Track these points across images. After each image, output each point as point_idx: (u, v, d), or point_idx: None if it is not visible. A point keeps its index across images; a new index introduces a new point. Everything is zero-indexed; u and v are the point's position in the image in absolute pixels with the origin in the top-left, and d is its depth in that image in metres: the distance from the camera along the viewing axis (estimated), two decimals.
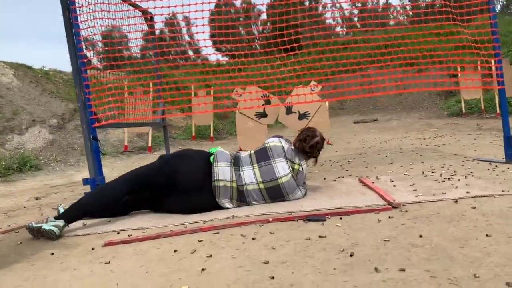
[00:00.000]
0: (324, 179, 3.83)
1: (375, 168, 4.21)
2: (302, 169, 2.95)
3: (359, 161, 4.94)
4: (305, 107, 7.96)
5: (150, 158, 8.49)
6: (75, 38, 3.53)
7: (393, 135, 8.88)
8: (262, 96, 7.93)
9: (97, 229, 2.65)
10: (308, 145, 2.99)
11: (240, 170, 2.87)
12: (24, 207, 4.07)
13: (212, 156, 2.89)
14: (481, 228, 1.95)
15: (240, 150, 8.29)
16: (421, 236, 1.91)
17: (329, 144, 7.83)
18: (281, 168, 2.86)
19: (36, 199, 4.61)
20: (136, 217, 2.90)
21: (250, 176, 2.85)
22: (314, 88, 7.72)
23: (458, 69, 12.18)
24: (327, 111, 8.11)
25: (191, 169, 2.79)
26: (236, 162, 2.92)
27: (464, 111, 12.44)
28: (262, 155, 2.93)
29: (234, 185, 2.82)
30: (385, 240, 1.90)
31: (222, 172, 2.79)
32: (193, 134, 11.72)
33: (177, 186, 2.77)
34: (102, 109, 3.71)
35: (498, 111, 11.17)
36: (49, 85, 10.86)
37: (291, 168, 2.90)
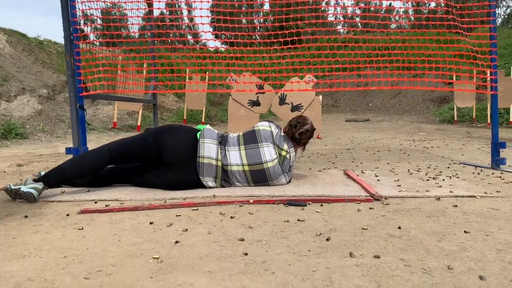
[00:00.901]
0: (310, 169, 3.81)
1: (361, 163, 4.21)
2: (290, 156, 2.92)
3: (346, 155, 4.93)
4: (298, 99, 7.92)
5: None
6: (69, 3, 3.45)
7: (383, 135, 8.89)
8: (256, 86, 7.87)
9: (75, 197, 2.61)
10: (298, 132, 2.96)
11: (226, 149, 2.84)
12: (4, 172, 4.00)
13: (199, 132, 2.85)
14: (460, 225, 1.95)
15: None
16: (399, 227, 1.90)
17: (319, 138, 7.82)
18: (268, 153, 2.82)
19: (18, 165, 4.53)
20: (116, 188, 2.86)
21: (235, 157, 2.81)
22: (309, 78, 7.69)
23: (454, 77, 12.24)
24: (320, 105, 8.09)
25: (176, 142, 2.75)
26: (223, 142, 2.88)
27: (456, 119, 12.52)
28: (250, 138, 2.89)
29: (220, 163, 2.78)
30: (363, 228, 1.89)
31: (208, 149, 2.75)
32: (185, 118, 11.64)
33: (161, 158, 2.73)
34: (91, 78, 3.65)
35: (489, 121, 11.25)
36: (42, 55, 10.68)
37: (278, 154, 2.87)
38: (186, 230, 1.89)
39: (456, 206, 2.32)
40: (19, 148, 6.33)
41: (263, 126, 2.97)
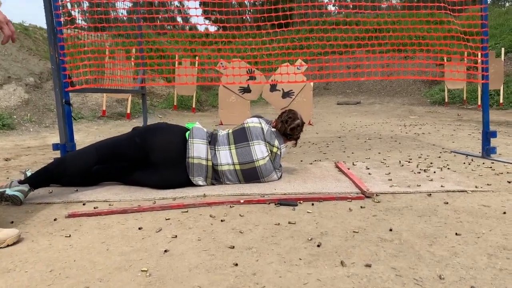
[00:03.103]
0: (301, 161, 3.78)
1: (352, 153, 4.19)
2: (281, 152, 2.89)
3: (337, 144, 4.91)
4: (289, 86, 7.87)
5: (128, 125, 8.32)
6: None
7: (374, 119, 8.88)
8: (247, 72, 7.79)
9: (63, 198, 2.56)
10: (289, 127, 2.92)
11: (216, 149, 2.79)
12: None
13: (188, 132, 2.79)
14: (451, 225, 1.94)
15: (221, 124, 8.20)
16: (391, 230, 1.88)
17: (310, 124, 7.79)
18: (259, 151, 2.79)
19: (5, 160, 4.46)
20: (104, 188, 2.82)
21: (226, 156, 2.77)
22: (300, 67, 7.62)
23: (445, 59, 12.22)
24: (311, 91, 8.04)
25: (165, 143, 2.70)
26: (212, 141, 2.84)
27: (446, 100, 12.54)
28: (240, 136, 2.85)
29: (210, 163, 2.74)
30: (354, 232, 1.87)
31: (197, 149, 2.70)
32: (175, 104, 11.52)
33: (149, 159, 2.69)
34: (77, 73, 3.56)
35: (479, 103, 11.29)
36: (28, 42, 10.44)
37: (269, 151, 2.84)
38: (176, 236, 1.86)
39: (447, 203, 2.31)
40: (6, 140, 6.23)
41: (253, 122, 2.93)
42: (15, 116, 7.44)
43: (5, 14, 1.66)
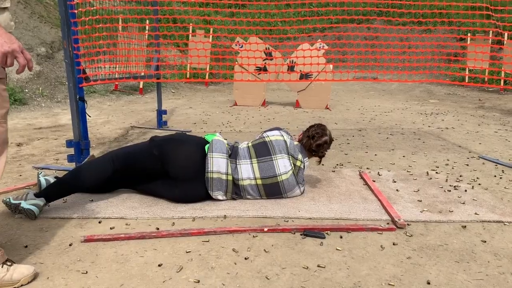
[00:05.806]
0: (322, 165, 3.63)
1: (375, 155, 4.01)
2: (304, 166, 2.74)
3: (358, 140, 4.72)
4: (308, 67, 7.59)
5: (140, 102, 8.17)
6: None
7: (393, 103, 8.63)
8: (264, 49, 7.52)
9: (78, 212, 2.46)
10: (315, 143, 2.75)
11: (237, 163, 2.65)
12: None
13: (208, 145, 2.65)
14: (494, 279, 1.80)
15: (236, 104, 8.00)
16: (428, 283, 1.75)
17: (327, 109, 7.58)
18: (282, 165, 2.64)
19: (18, 145, 4.37)
20: (120, 198, 2.70)
21: (247, 170, 2.63)
22: (320, 46, 7.32)
23: (468, 39, 11.76)
24: (331, 74, 7.77)
25: (184, 157, 2.56)
26: (233, 154, 2.69)
27: (467, 81, 12.13)
28: (262, 150, 2.69)
29: (230, 178, 2.60)
30: (389, 284, 1.74)
31: (217, 164, 2.56)
32: (188, 77, 11.29)
33: (167, 172, 2.56)
34: (91, 68, 3.39)
35: (502, 85, 10.89)
36: (39, 8, 10.16)
37: (292, 165, 2.69)
38: (198, 281, 1.75)
39: (485, 241, 2.17)
40: (18, 117, 6.13)
41: (274, 136, 2.76)
42: (26, 90, 7.31)
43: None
